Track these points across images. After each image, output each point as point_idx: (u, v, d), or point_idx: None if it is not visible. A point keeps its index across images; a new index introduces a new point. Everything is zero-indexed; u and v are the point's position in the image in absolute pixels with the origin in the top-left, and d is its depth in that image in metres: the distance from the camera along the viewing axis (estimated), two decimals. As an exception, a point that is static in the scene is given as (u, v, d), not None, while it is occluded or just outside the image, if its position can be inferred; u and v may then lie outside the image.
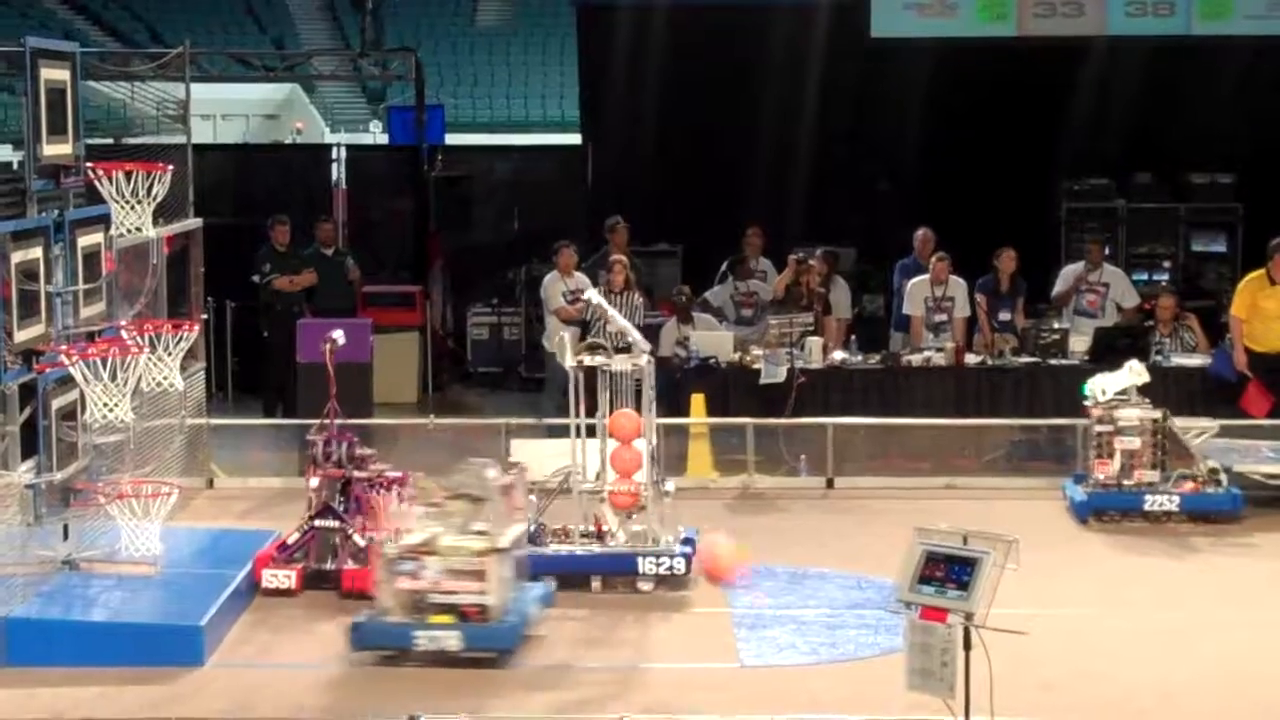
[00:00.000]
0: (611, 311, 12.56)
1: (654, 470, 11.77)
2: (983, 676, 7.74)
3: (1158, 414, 13.42)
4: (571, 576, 11.48)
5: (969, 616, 7.75)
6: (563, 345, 11.98)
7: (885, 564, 10.45)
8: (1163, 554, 12.68)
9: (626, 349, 11.94)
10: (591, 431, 11.81)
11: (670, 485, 11.90)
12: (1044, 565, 11.62)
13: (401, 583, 10.09)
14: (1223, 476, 13.37)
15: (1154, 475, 13.39)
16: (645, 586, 11.46)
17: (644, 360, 11.84)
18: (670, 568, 11.46)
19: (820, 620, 10.98)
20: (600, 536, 11.69)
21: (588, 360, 11.79)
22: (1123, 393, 13.52)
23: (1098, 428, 13.44)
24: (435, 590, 10.07)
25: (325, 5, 53.98)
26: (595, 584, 11.52)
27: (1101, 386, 13.51)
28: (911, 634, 7.95)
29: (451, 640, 9.96)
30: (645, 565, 11.47)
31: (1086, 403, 13.62)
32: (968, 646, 7.74)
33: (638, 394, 11.75)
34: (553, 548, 11.62)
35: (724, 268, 17.67)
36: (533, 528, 11.61)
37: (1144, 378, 13.50)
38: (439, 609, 10.07)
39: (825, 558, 12.39)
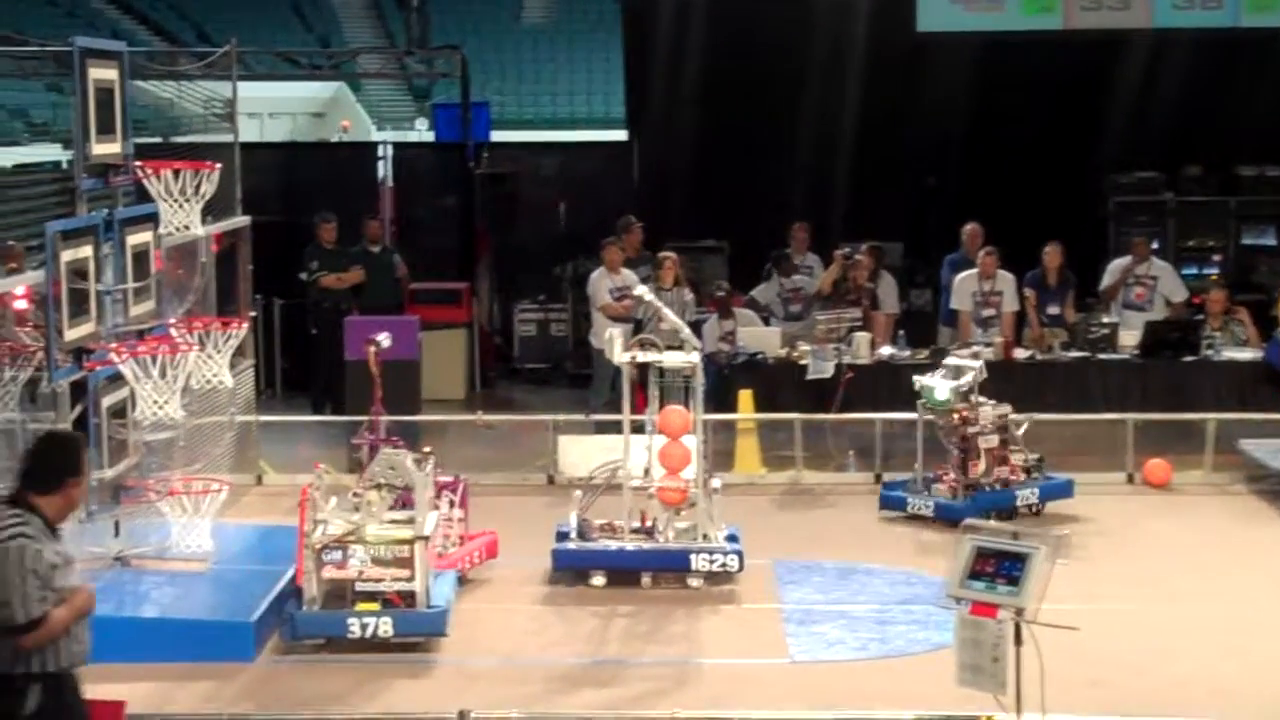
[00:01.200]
0: (664, 309, 12.55)
1: (703, 467, 11.74)
2: (1034, 672, 7.69)
3: (1005, 409, 13.26)
4: (619, 572, 11.49)
5: (1019, 612, 7.71)
6: (612, 342, 11.97)
7: (934, 559, 10.44)
8: (1212, 546, 12.61)
9: (678, 346, 11.92)
10: (639, 428, 11.80)
11: (718, 482, 11.89)
12: (1095, 560, 11.60)
13: (328, 572, 10.18)
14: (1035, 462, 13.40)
15: (1004, 471, 13.19)
16: (695, 583, 11.45)
17: (695, 357, 11.82)
18: (724, 564, 11.45)
19: (870, 616, 10.95)
20: (649, 532, 11.68)
21: (640, 356, 11.77)
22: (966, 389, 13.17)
23: (967, 429, 13.05)
24: (361, 579, 10.16)
25: (371, 3, 54.14)
26: (645, 580, 11.51)
27: (949, 388, 13.15)
28: (962, 629, 7.91)
29: (385, 626, 10.09)
30: (698, 562, 11.46)
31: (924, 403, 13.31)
32: (1018, 642, 7.70)
33: (685, 391, 11.72)
34: (603, 543, 11.62)
35: (769, 265, 17.64)
36: (577, 522, 11.64)
37: (983, 374, 13.33)
38: (366, 597, 10.18)
39: (874, 553, 12.36)
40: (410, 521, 10.33)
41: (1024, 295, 16.66)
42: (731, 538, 11.69)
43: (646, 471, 11.71)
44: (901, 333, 16.55)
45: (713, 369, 16.10)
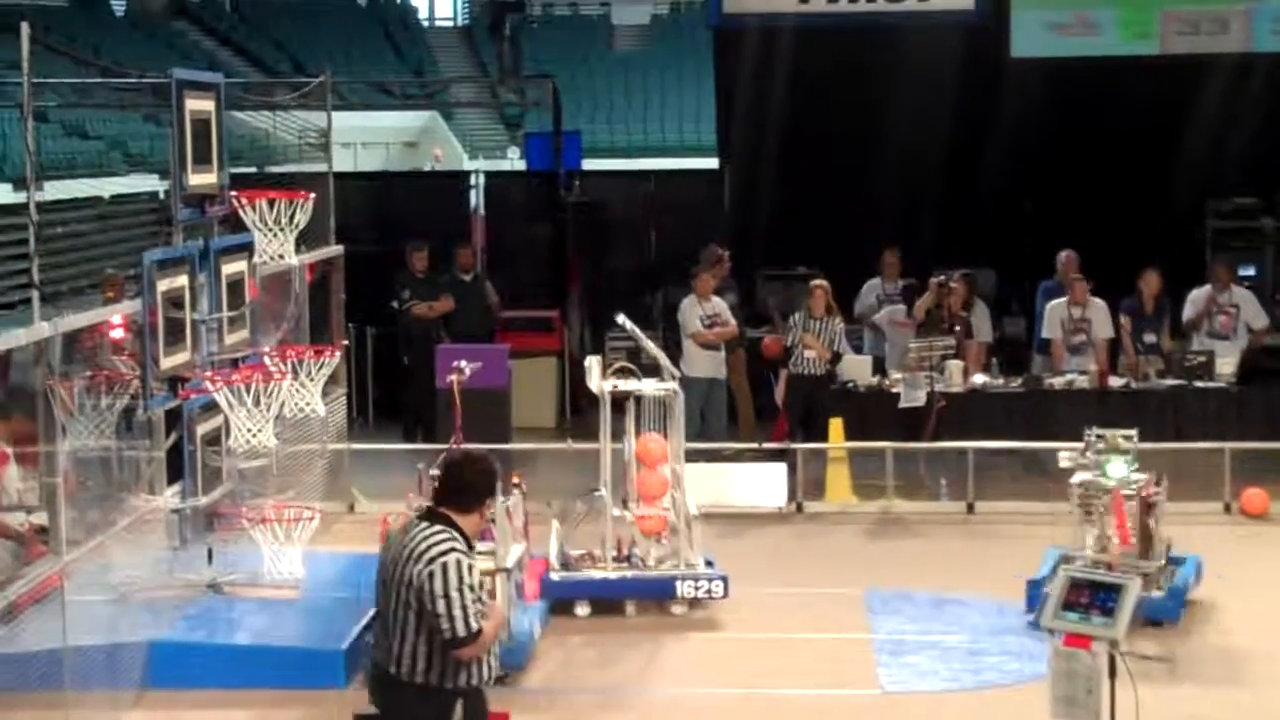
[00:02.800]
0: (643, 338, 12.53)
1: (683, 494, 11.71)
2: (1128, 704, 7.61)
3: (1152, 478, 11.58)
4: (602, 601, 11.52)
5: (1114, 644, 7.63)
6: (590, 369, 11.96)
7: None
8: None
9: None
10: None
11: (694, 508, 11.83)
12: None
13: None
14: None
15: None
16: (678, 610, 11.45)
17: (672, 385, 11.82)
18: (709, 591, 11.42)
19: (962, 646, 10.87)
20: (629, 560, 11.67)
21: (621, 386, 11.77)
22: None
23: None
24: None
25: (464, 33, 54.59)
26: (630, 608, 11.51)
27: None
28: (1055, 661, 7.84)
29: None
30: (684, 589, 11.45)
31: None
32: (1113, 674, 7.63)
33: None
34: (587, 572, 11.62)
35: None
36: (559, 551, 11.64)
37: None
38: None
39: (966, 583, 12.28)
40: (493, 554, 10.33)
41: (1119, 322, 16.51)
42: (708, 563, 11.65)
43: (625, 502, 11.72)
44: (995, 361, 16.44)
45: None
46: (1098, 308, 16.42)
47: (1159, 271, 16.61)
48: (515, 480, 11.07)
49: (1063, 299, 16.53)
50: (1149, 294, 16.53)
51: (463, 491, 7.08)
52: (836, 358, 15.85)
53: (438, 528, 6.92)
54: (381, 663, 7.01)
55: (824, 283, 16.12)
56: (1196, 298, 16.91)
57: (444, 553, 6.82)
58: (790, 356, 15.90)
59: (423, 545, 6.86)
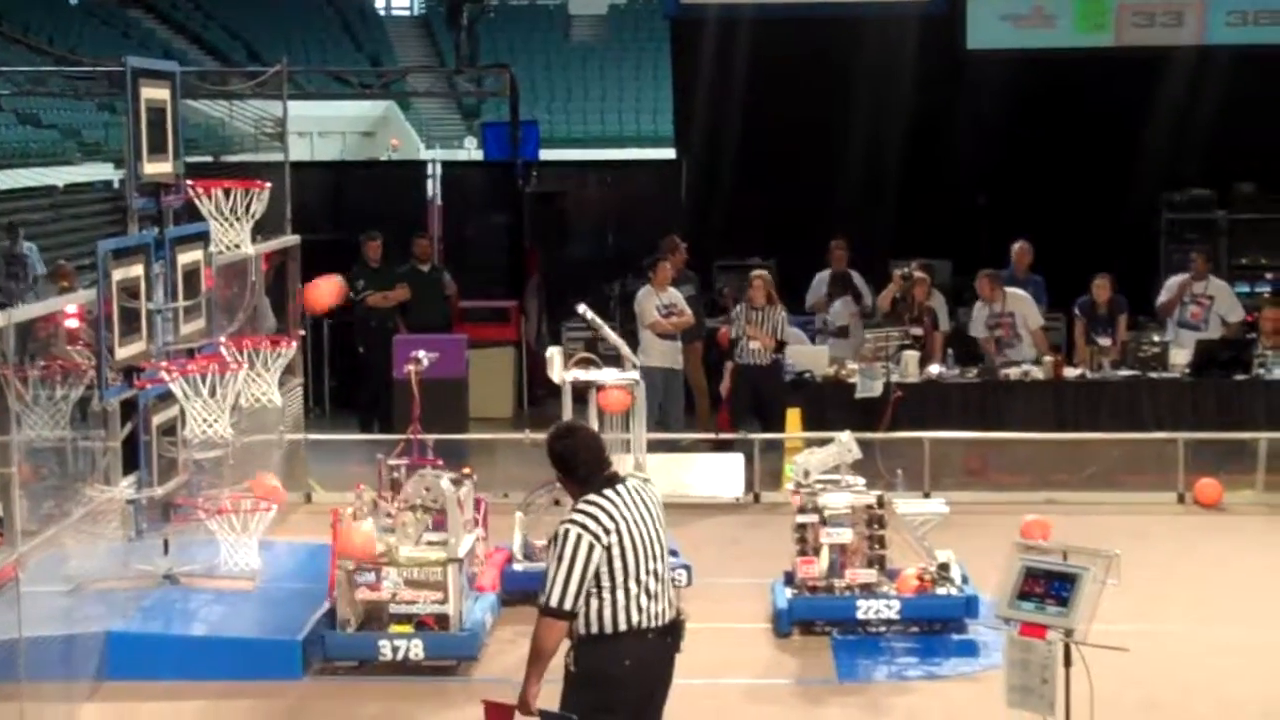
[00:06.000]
0: (604, 326, 12.51)
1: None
2: (1083, 693, 7.65)
3: (872, 498, 11.05)
4: None
5: (1069, 633, 7.67)
6: (552, 360, 11.94)
7: (984, 579, 10.40)
8: (1264, 567, 12.51)
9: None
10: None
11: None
12: (1145, 580, 11.50)
13: (361, 593, 10.20)
14: (956, 572, 11.14)
15: (869, 574, 11.04)
16: None
17: (634, 374, 11.79)
18: (673, 580, 11.30)
19: (918, 635, 10.90)
20: None
21: (582, 376, 11.76)
22: (833, 470, 11.21)
23: (799, 518, 11.02)
24: (395, 601, 10.18)
25: (420, 23, 54.45)
26: None
27: (805, 467, 11.13)
28: (1011, 650, 7.88)
29: (415, 649, 10.12)
30: None
31: (789, 487, 11.58)
32: (1068, 663, 7.66)
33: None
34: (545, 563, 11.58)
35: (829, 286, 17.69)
36: (522, 542, 11.61)
37: (854, 453, 11.19)
38: (398, 619, 10.21)
39: (922, 573, 12.30)
40: (445, 543, 10.34)
41: (1074, 317, 16.63)
42: (673, 552, 11.62)
43: None
44: (950, 351, 16.50)
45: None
46: (1018, 300, 16.43)
47: (1108, 278, 16.66)
48: (466, 470, 11.06)
49: (980, 300, 16.54)
50: (1101, 300, 16.61)
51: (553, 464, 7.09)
52: (780, 346, 15.85)
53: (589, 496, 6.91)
54: (672, 614, 7.03)
55: (763, 273, 16.14)
56: (1171, 284, 17.00)
57: (567, 522, 6.86)
58: (735, 348, 15.91)
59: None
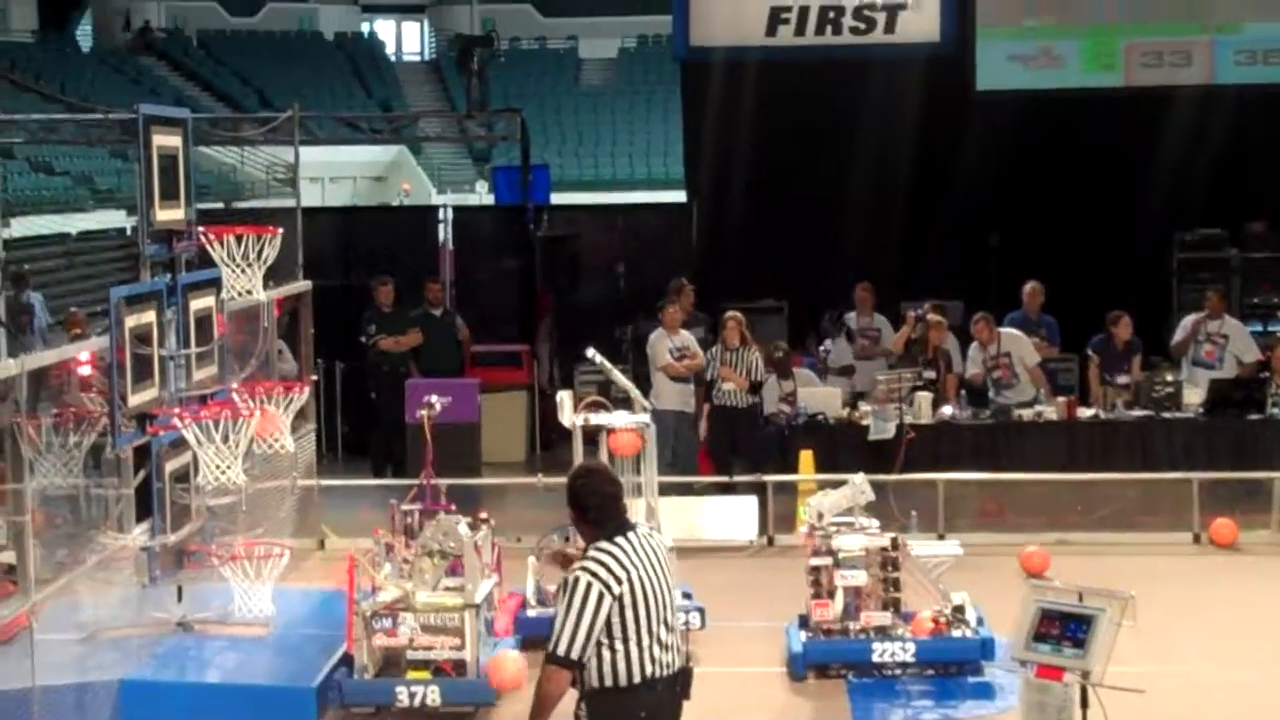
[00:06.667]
0: (613, 371, 12.48)
1: (658, 526, 11.57)
2: (1101, 736, 7.61)
3: (886, 540, 11.04)
4: None
5: (1086, 675, 7.64)
6: (562, 404, 11.92)
7: (999, 621, 10.35)
8: (1283, 609, 12.47)
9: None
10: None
11: (669, 541, 11.74)
12: (1161, 622, 11.45)
13: (379, 639, 10.17)
14: (971, 614, 11.13)
15: (884, 617, 11.03)
16: None
17: (645, 418, 11.80)
18: (685, 623, 11.16)
19: (935, 679, 10.85)
20: None
21: (593, 419, 11.74)
22: (846, 513, 11.22)
23: (813, 560, 11.03)
24: (412, 646, 10.15)
25: (431, 68, 54.69)
26: None
27: (819, 509, 11.17)
28: (1027, 693, 7.84)
29: (433, 695, 10.08)
30: None
31: (803, 529, 11.61)
32: (1085, 705, 7.63)
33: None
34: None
35: (834, 324, 17.68)
36: (538, 589, 11.58)
37: (867, 495, 11.23)
38: (416, 665, 10.17)
39: (938, 615, 12.24)
40: (462, 589, 10.30)
41: (1088, 357, 16.60)
42: (686, 595, 11.55)
43: None
44: (963, 393, 16.48)
45: (773, 430, 16.10)
46: (1014, 340, 16.41)
47: (1130, 317, 16.60)
48: (483, 515, 11.04)
49: (975, 341, 16.50)
50: (1120, 339, 16.53)
51: (568, 501, 7.02)
52: (755, 387, 15.83)
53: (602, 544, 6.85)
54: (681, 662, 6.97)
55: (737, 314, 16.19)
56: (1186, 323, 16.96)
57: (578, 569, 6.80)
58: (712, 389, 15.89)
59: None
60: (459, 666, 10.18)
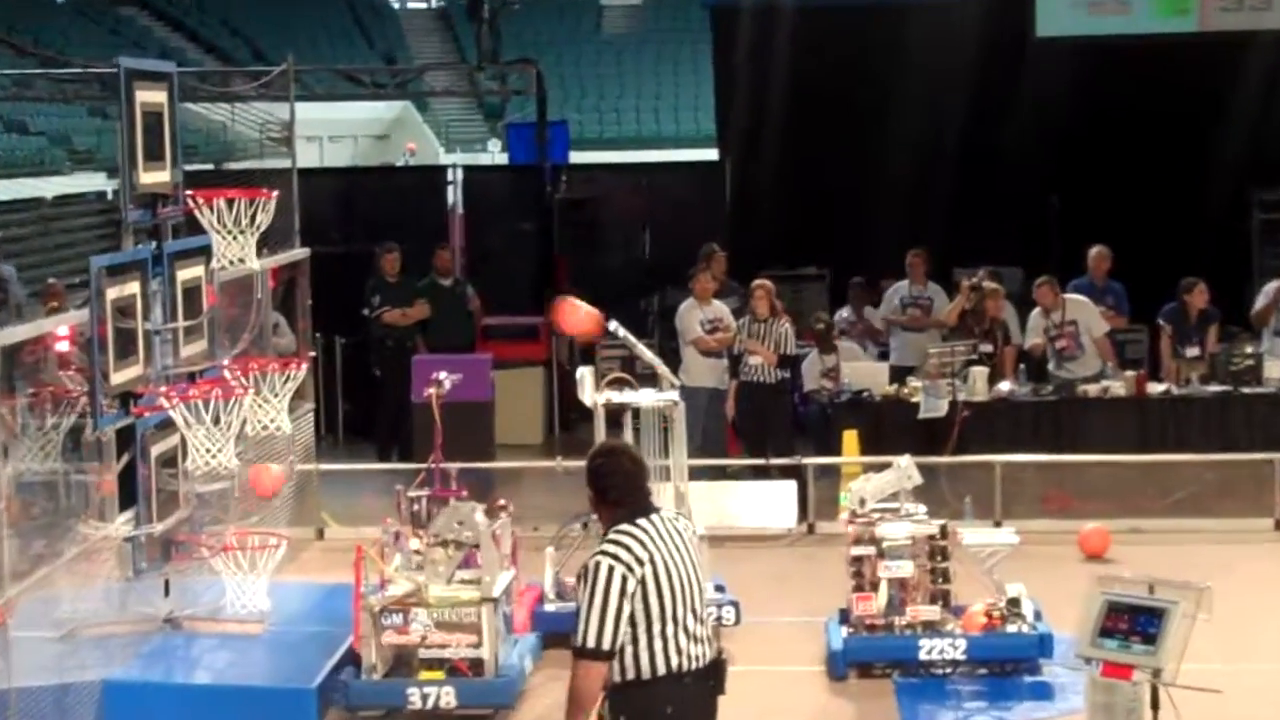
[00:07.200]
0: (638, 344, 12.48)
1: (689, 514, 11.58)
2: (1173, 740, 7.62)
3: (935, 528, 11.00)
4: None
5: (1157, 673, 7.63)
6: (583, 381, 11.92)
7: (1059, 616, 10.36)
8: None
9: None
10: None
11: (700, 528, 11.77)
12: (1239, 615, 11.44)
13: (388, 637, 10.18)
14: (1028, 607, 11.06)
15: (933, 611, 11.00)
16: None
17: (673, 395, 11.80)
18: (719, 618, 11.25)
19: (989, 680, 10.85)
20: None
21: (616, 398, 11.73)
22: (892, 498, 11.21)
23: (855, 550, 10.98)
24: (425, 645, 10.16)
25: (439, 17, 54.60)
26: None
27: (861, 495, 11.12)
28: (1093, 693, 7.86)
29: (447, 696, 10.09)
30: None
31: (844, 516, 11.37)
32: (1155, 706, 7.63)
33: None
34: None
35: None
36: (555, 581, 11.61)
37: (915, 479, 11.22)
38: (429, 664, 10.17)
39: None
40: (479, 582, 10.32)
41: (1160, 328, 16.55)
42: (718, 588, 11.60)
43: None
44: (1022, 367, 16.45)
45: (815, 408, 16.11)
46: (1080, 307, 16.36)
47: (1205, 285, 16.53)
48: (501, 503, 11.06)
49: (1039, 308, 16.45)
50: (1195, 307, 16.47)
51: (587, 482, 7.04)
52: (785, 361, 15.80)
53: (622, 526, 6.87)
54: (713, 654, 6.97)
55: (766, 282, 16.16)
56: (1267, 290, 16.89)
57: (597, 554, 6.81)
58: (739, 364, 15.87)
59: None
60: (476, 666, 10.20)
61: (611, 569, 6.71)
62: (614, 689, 6.80)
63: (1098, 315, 16.41)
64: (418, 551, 10.43)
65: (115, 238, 11.30)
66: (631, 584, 6.70)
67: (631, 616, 6.72)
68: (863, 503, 11.07)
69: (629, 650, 6.75)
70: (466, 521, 10.40)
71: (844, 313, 18.25)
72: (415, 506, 10.82)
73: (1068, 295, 16.43)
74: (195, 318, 11.31)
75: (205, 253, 11.44)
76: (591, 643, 6.69)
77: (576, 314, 12.16)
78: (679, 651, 6.80)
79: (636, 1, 54.13)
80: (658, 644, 6.77)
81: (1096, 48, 19.79)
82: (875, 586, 10.97)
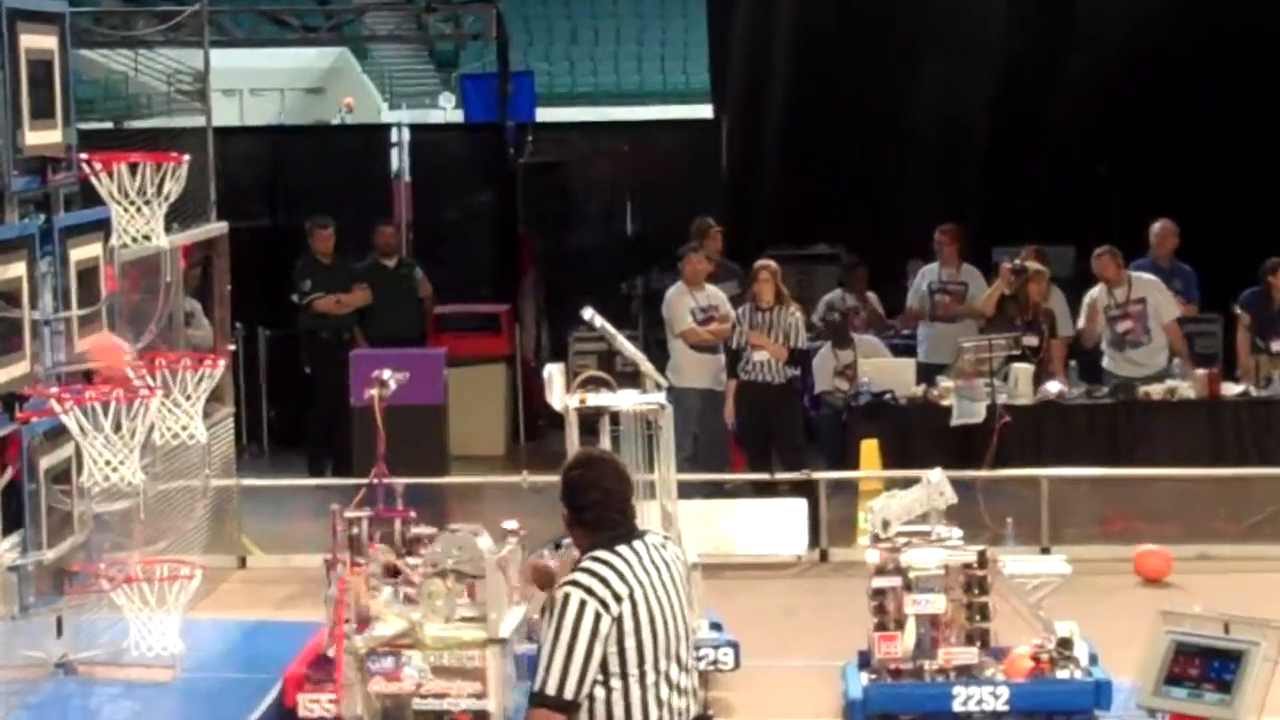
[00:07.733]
0: (618, 337, 12.47)
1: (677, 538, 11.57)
2: (1254, 807, 7.63)
3: (972, 555, 10.91)
4: None
5: (1234, 728, 7.65)
6: (551, 381, 11.88)
7: (1118, 659, 10.37)
8: None
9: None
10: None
11: (694, 556, 11.77)
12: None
13: (377, 684, 10.14)
14: (1082, 649, 10.96)
15: (969, 654, 10.88)
16: None
17: (659, 397, 11.80)
18: (715, 661, 11.33)
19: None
20: None
21: (592, 400, 11.71)
22: (920, 520, 11.17)
23: (877, 581, 10.84)
24: (420, 694, 10.13)
25: (381, -53, 54.50)
26: None
27: (883, 516, 11.01)
28: (1158, 751, 7.86)
29: None
30: None
31: (864, 541, 11.47)
32: (1233, 767, 7.64)
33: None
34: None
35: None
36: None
37: (947, 497, 11.18)
38: (425, 717, 10.10)
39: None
40: (483, 620, 10.26)
41: (1237, 318, 16.54)
42: (715, 626, 11.62)
43: None
44: (1074, 363, 16.46)
45: (828, 413, 16.11)
46: (1147, 285, 16.37)
47: None
48: (511, 525, 11.02)
49: (1100, 285, 16.43)
50: (1279, 289, 16.45)
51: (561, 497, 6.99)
52: (795, 357, 15.77)
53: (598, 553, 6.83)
54: (698, 709, 6.96)
55: (770, 263, 16.11)
56: None
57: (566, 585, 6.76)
58: (739, 360, 15.84)
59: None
60: (480, 718, 10.13)
61: (583, 604, 6.64)
62: None
63: (1170, 296, 16.41)
64: (411, 583, 10.33)
65: (-3, 210, 11.26)
66: (605, 623, 6.64)
67: (604, 662, 6.66)
68: (886, 525, 11.02)
69: (600, 700, 6.69)
70: (467, 548, 10.33)
71: (835, 296, 17.90)
72: (354, 530, 10.76)
73: (1134, 273, 16.40)
74: (92, 305, 11.29)
75: (104, 228, 11.42)
76: (552, 689, 6.62)
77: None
78: (660, 704, 6.74)
79: (615, -69, 54.17)
80: (634, 694, 6.72)
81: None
82: (901, 625, 10.91)
